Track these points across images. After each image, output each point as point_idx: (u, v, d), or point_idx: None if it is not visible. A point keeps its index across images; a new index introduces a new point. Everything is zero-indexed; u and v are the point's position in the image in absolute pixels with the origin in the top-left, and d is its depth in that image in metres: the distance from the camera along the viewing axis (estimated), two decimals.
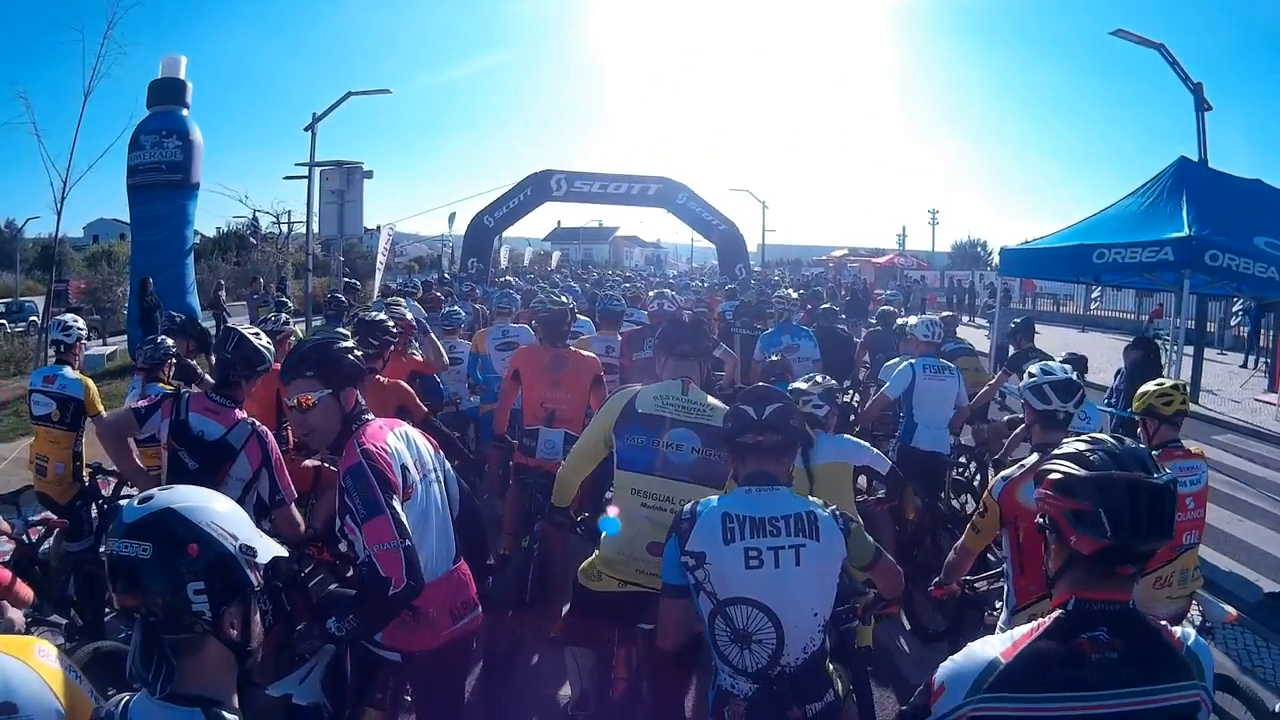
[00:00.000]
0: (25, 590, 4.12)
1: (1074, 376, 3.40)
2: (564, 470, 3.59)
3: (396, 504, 2.45)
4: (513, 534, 4.91)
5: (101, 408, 5.37)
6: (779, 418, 2.47)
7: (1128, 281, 13.75)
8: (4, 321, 25.76)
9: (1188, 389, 4.29)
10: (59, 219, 14.08)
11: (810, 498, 2.52)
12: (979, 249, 62.31)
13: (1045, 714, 1.57)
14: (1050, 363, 3.52)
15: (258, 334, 3.81)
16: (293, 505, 3.57)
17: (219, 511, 1.54)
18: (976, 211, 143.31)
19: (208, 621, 1.46)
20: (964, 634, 4.22)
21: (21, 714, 1.47)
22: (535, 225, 74.91)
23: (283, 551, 1.63)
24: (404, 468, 2.59)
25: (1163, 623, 1.67)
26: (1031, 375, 3.42)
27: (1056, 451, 1.76)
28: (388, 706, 2.93)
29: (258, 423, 3.59)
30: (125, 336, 17.39)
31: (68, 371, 5.33)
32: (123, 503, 1.46)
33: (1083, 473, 1.66)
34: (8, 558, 4.23)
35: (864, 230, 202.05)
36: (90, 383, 5.40)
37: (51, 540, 4.99)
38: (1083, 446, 1.71)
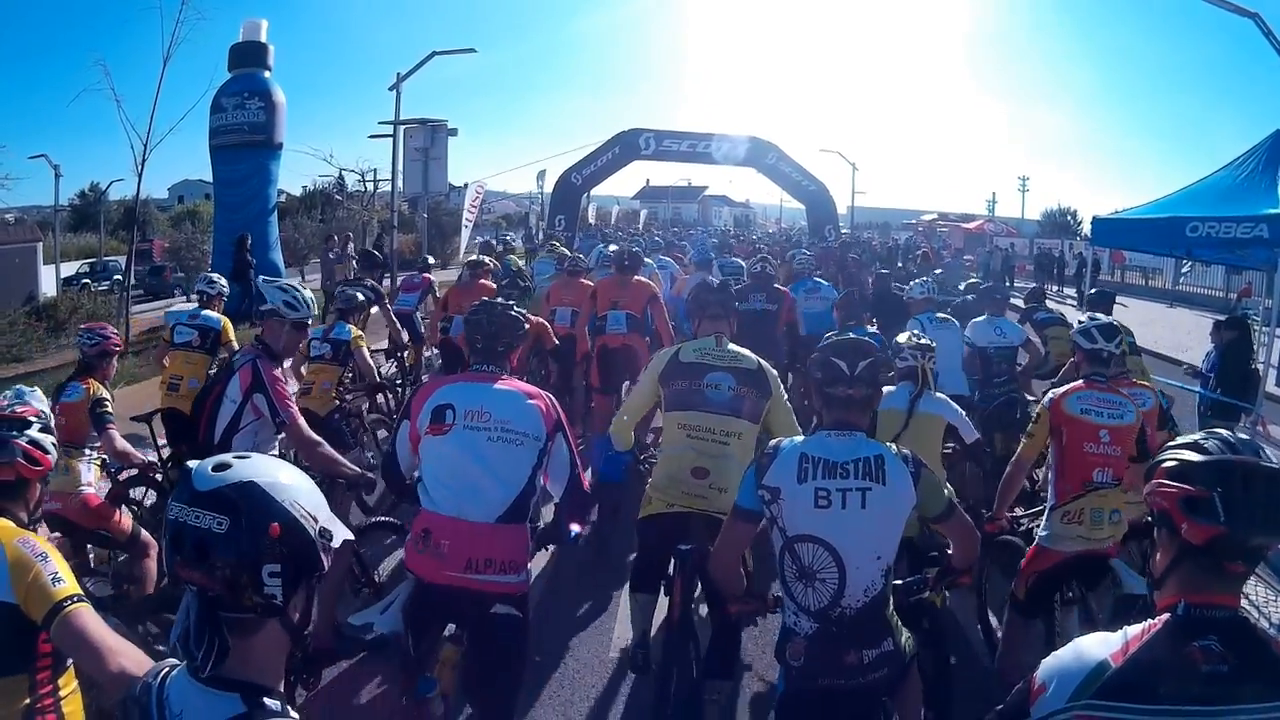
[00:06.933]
0: (126, 521, 4.41)
1: (1115, 322, 4.31)
2: (617, 421, 4.16)
3: (405, 425, 3.12)
4: None
5: (235, 341, 6.44)
6: (870, 373, 2.58)
7: (1219, 258, 13.17)
8: (88, 280, 26.97)
9: (1260, 369, 4.23)
10: (139, 181, 14.53)
11: (887, 443, 2.60)
12: (1069, 217, 59.50)
13: None
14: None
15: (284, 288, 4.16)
16: (299, 423, 3.93)
17: (301, 489, 1.41)
18: (1066, 180, 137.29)
19: (278, 605, 1.35)
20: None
21: None
22: (624, 183, 73.73)
23: (349, 535, 1.68)
24: (443, 407, 3.04)
25: (1275, 634, 1.61)
26: (1081, 323, 4.32)
27: (1171, 444, 1.69)
28: (464, 643, 2.95)
29: (262, 358, 3.95)
30: None
31: (209, 312, 6.51)
32: (192, 465, 1.37)
33: (1199, 458, 1.58)
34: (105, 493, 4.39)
35: (954, 195, 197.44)
36: (229, 321, 6.55)
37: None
38: (1198, 437, 1.65)
